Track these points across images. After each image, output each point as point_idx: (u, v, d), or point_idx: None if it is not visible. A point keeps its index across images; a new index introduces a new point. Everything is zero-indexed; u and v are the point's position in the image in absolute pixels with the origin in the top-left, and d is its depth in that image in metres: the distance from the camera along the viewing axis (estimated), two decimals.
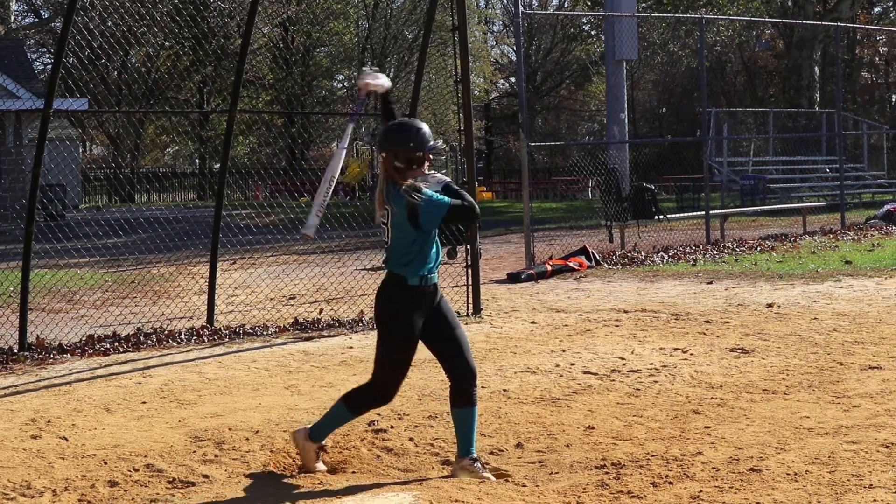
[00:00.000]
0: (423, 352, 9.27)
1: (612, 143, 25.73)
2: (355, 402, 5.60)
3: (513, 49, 50.84)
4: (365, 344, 9.60)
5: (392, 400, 5.59)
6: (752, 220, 23.77)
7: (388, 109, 5.87)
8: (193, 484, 5.53)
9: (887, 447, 5.73)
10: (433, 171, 5.54)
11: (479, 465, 5.52)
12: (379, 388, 5.50)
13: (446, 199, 5.30)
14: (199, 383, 8.08)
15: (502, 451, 6.02)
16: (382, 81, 5.88)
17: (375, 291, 5.56)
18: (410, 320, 5.39)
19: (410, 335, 5.41)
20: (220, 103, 43.04)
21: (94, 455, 6.05)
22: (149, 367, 8.80)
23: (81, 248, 15.98)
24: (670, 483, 5.30)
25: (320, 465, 5.70)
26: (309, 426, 5.76)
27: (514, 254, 18.01)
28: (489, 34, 52.32)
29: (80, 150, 41.77)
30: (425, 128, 5.46)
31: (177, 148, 52.55)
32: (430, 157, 5.49)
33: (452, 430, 6.36)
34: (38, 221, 9.83)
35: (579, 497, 5.17)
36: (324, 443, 5.76)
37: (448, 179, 5.50)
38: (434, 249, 5.44)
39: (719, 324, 10.11)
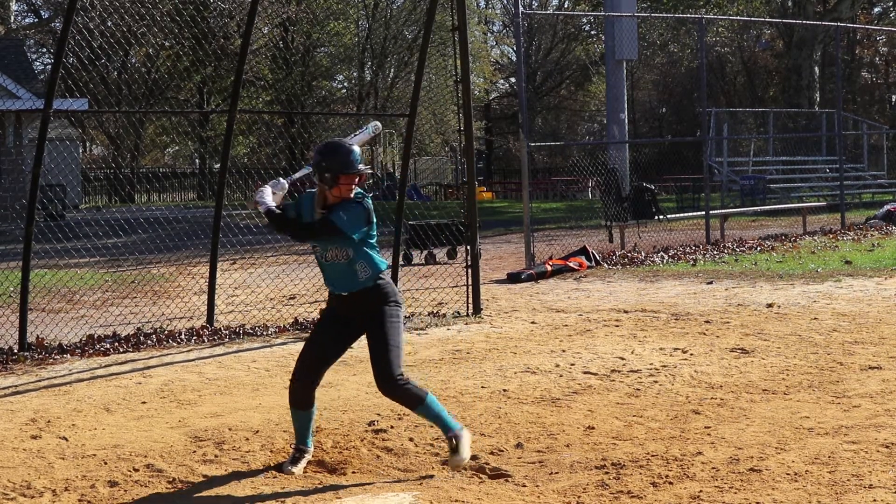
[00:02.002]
0: (422, 352, 9.28)
1: (612, 143, 25.74)
2: (290, 397, 5.77)
3: (513, 49, 50.87)
4: (364, 344, 9.58)
5: (311, 388, 5.68)
6: (752, 220, 23.77)
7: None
8: (193, 484, 5.53)
9: (887, 447, 5.74)
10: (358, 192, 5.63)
11: (452, 441, 5.57)
12: (292, 379, 5.75)
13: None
14: (199, 383, 8.08)
15: (502, 451, 6.02)
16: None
17: None
18: (325, 310, 5.82)
19: (319, 321, 5.83)
20: (220, 103, 43.02)
21: (94, 455, 6.05)
22: (149, 367, 8.80)
23: (81, 248, 15.98)
24: (670, 483, 5.30)
25: (294, 470, 5.69)
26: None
27: (514, 254, 18.01)
28: (489, 34, 52.33)
29: (80, 150, 41.77)
30: (345, 150, 5.52)
31: (177, 148, 52.55)
32: (355, 181, 5.55)
33: None
34: (38, 221, 9.83)
35: (579, 497, 5.17)
36: (311, 446, 5.82)
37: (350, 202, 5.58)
38: (328, 270, 5.64)
39: (719, 324, 10.11)
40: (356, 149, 5.58)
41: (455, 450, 5.55)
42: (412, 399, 5.53)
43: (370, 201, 5.61)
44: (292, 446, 5.91)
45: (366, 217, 5.56)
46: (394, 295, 5.65)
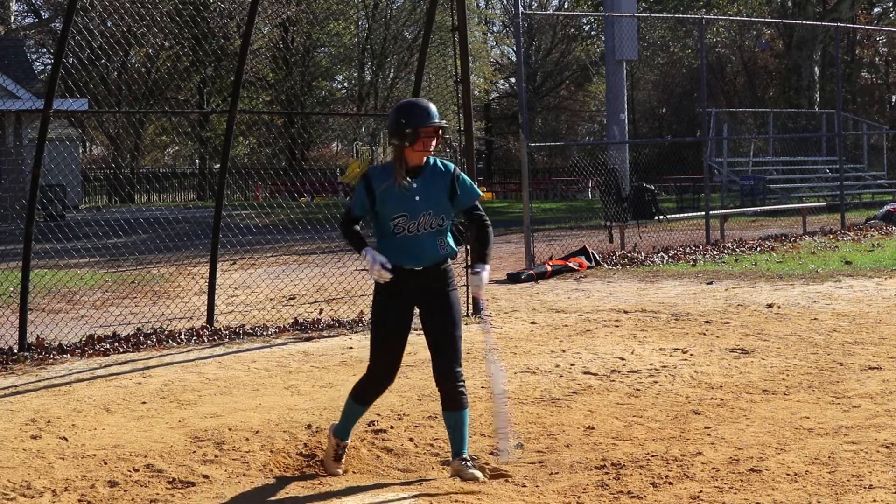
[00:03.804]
0: (422, 352, 9.26)
1: (612, 143, 25.74)
2: (358, 393, 5.61)
3: (513, 49, 50.86)
4: (365, 344, 9.59)
5: (389, 381, 5.54)
6: (752, 221, 23.77)
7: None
8: (193, 484, 5.52)
9: (887, 447, 5.74)
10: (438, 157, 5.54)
11: (466, 464, 5.46)
12: (371, 373, 5.55)
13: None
14: (199, 383, 8.08)
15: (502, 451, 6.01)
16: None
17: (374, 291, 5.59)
18: (383, 302, 5.46)
19: (381, 316, 5.48)
20: (220, 104, 43.01)
21: (94, 455, 6.05)
22: (149, 368, 8.80)
23: (81, 249, 15.99)
24: (670, 483, 5.30)
25: (339, 469, 5.65)
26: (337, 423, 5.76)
27: (514, 254, 18.01)
28: (489, 34, 52.34)
29: (80, 150, 41.78)
30: (422, 105, 5.42)
31: (177, 148, 52.55)
32: (435, 137, 5.41)
33: None
34: (38, 221, 9.83)
35: (579, 497, 5.17)
36: (348, 442, 5.74)
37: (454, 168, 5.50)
38: (408, 241, 5.39)
39: (719, 324, 10.11)
40: (433, 106, 5.45)
41: (469, 466, 5.46)
42: (459, 400, 5.42)
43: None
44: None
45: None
46: (454, 278, 5.57)
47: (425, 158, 5.46)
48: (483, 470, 5.63)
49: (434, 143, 5.43)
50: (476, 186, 5.59)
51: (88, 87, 27.72)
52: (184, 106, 44.29)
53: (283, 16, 38.64)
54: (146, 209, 30.40)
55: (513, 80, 53.13)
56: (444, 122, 5.47)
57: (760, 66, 50.07)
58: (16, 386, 8.21)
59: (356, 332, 10.35)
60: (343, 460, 5.69)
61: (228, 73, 40.24)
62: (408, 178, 5.39)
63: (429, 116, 5.38)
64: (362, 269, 5.57)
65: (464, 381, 5.46)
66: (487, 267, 5.51)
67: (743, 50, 49.04)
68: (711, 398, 7.09)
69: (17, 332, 9.55)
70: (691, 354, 8.64)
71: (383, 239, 5.44)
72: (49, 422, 6.90)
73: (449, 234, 5.50)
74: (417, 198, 5.38)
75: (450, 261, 5.54)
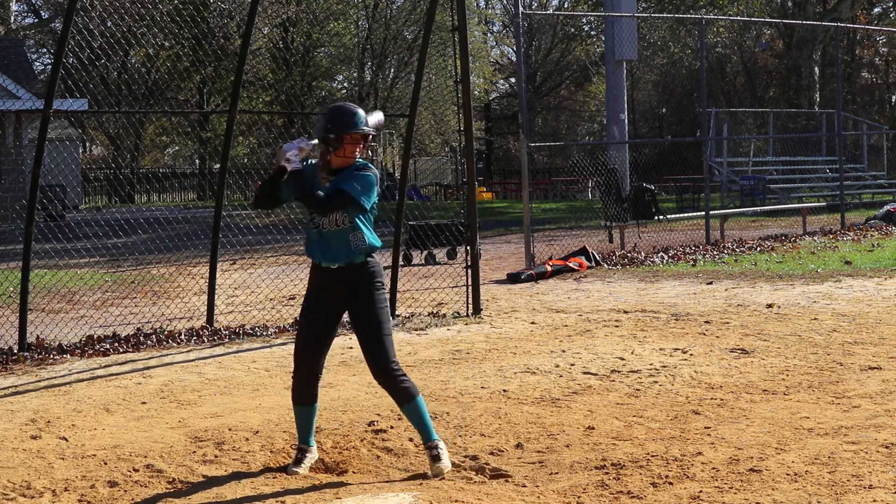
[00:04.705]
0: (422, 352, 9.27)
1: (612, 143, 25.75)
2: (293, 393, 5.76)
3: (513, 49, 50.87)
4: None
5: (314, 377, 5.64)
6: (752, 221, 23.77)
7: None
8: (193, 484, 5.52)
9: (887, 447, 5.74)
10: (363, 161, 5.55)
11: (435, 452, 5.53)
12: (294, 370, 5.71)
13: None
14: (199, 384, 8.08)
15: (502, 451, 6.02)
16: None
17: None
18: (306, 301, 5.65)
19: (302, 315, 5.66)
20: (220, 104, 43.01)
21: (94, 455, 6.05)
22: (149, 368, 8.80)
23: (81, 249, 16.00)
24: (670, 483, 5.30)
25: (298, 470, 5.64)
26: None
27: (514, 254, 18.01)
28: (489, 34, 52.34)
29: (80, 151, 41.78)
30: (349, 111, 5.47)
31: (177, 148, 52.56)
32: (360, 144, 5.46)
33: (451, 431, 6.38)
34: (38, 222, 9.83)
35: (579, 497, 5.17)
36: (313, 444, 5.79)
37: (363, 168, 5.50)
38: (323, 238, 5.48)
39: (719, 324, 10.11)
40: (360, 111, 5.52)
41: (438, 458, 5.52)
42: (405, 394, 5.49)
43: (376, 170, 5.55)
44: (294, 447, 5.90)
45: (375, 187, 5.52)
46: (381, 276, 5.59)
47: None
48: (483, 470, 5.65)
49: (359, 149, 5.49)
50: (363, 191, 5.42)
51: (88, 87, 27.73)
52: (184, 106, 44.28)
53: (283, 16, 38.64)
54: (146, 209, 30.41)
55: (513, 80, 53.14)
56: (371, 129, 5.50)
57: (760, 66, 50.09)
58: (16, 386, 8.21)
59: None
60: (303, 464, 5.67)
61: (228, 73, 40.23)
62: (328, 180, 5.48)
63: (355, 124, 5.44)
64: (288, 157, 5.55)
65: (402, 373, 5.50)
66: (293, 152, 5.42)
67: (743, 50, 49.06)
68: (711, 398, 7.09)
69: (17, 332, 9.55)
70: (691, 354, 8.64)
71: (307, 229, 5.58)
72: (49, 422, 6.90)
73: (367, 228, 5.53)
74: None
75: (374, 257, 5.56)
